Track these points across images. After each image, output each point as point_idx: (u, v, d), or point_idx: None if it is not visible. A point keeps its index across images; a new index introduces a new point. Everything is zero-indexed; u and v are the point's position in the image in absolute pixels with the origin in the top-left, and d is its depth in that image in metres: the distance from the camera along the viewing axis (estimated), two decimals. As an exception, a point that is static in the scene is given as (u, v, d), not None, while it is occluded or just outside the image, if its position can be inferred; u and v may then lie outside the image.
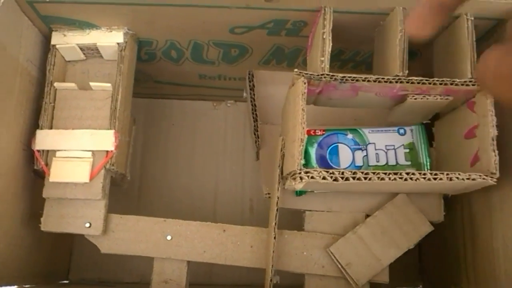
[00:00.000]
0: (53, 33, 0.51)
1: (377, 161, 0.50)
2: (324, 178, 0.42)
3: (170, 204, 0.67)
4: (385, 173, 0.43)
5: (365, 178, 0.42)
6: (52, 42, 0.50)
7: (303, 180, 0.42)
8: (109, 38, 0.50)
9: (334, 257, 0.48)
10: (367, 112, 0.57)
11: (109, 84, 0.49)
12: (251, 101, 0.59)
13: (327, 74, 0.44)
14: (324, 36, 0.45)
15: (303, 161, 0.42)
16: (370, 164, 0.50)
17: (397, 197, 0.50)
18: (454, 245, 0.56)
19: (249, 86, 0.59)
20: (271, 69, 0.59)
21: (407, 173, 0.43)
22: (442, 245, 0.59)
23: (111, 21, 0.49)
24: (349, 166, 0.50)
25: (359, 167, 0.50)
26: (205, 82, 0.64)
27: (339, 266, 0.48)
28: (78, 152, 0.48)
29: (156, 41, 0.53)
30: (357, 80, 0.44)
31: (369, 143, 0.51)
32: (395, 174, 0.43)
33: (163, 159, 0.69)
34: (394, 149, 0.50)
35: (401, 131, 0.51)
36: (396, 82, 0.44)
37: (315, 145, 0.51)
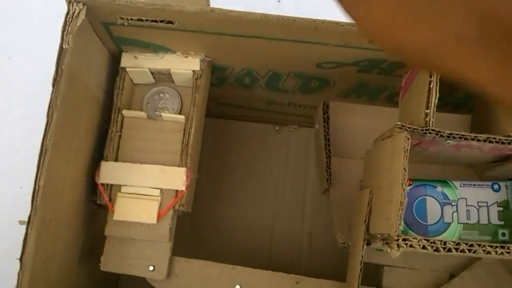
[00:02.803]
0: (123, 54, 0.46)
1: (468, 219, 0.46)
2: (424, 247, 0.38)
3: (223, 234, 0.62)
4: (491, 246, 0.38)
5: (469, 251, 0.38)
6: (122, 64, 0.46)
7: (401, 249, 0.38)
8: (185, 65, 0.46)
9: (417, 322, 0.45)
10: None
11: (182, 117, 0.45)
12: (324, 135, 0.54)
13: (432, 130, 0.39)
14: (431, 86, 0.40)
15: (401, 227, 0.38)
16: (460, 222, 0.45)
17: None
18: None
19: (323, 118, 0.54)
20: (349, 101, 0.55)
21: (517, 249, 0.38)
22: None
23: (189, 47, 0.45)
24: (437, 222, 0.46)
25: (448, 224, 0.45)
26: (272, 107, 0.59)
27: (421, 332, 0.44)
28: (145, 189, 0.44)
29: (232, 68, 0.49)
30: (465, 138, 0.40)
31: (460, 198, 0.46)
32: (502, 248, 0.38)
33: (218, 183, 0.64)
34: (487, 206, 0.46)
35: (495, 186, 0.46)
36: (509, 143, 0.40)
37: (400, 195, 0.46)
